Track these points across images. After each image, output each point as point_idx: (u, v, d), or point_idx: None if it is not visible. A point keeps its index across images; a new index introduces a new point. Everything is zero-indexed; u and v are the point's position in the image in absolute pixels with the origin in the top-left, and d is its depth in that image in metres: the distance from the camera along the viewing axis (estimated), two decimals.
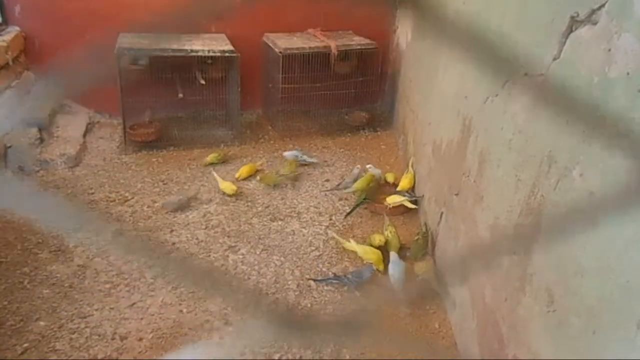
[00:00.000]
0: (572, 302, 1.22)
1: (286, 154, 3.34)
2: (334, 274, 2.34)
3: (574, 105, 1.12)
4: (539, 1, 1.56)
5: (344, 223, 2.78)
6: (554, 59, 1.40)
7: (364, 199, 2.90)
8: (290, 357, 1.92)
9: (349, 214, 2.84)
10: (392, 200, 2.82)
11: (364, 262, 2.40)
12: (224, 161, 3.35)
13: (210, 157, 3.31)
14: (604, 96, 1.15)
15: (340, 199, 3.00)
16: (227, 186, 2.95)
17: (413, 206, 2.77)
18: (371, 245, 2.47)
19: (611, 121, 1.12)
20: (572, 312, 1.21)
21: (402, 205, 2.82)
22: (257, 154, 3.50)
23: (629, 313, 1.01)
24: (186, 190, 2.97)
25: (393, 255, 2.30)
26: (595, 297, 1.13)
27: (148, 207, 2.80)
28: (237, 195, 2.95)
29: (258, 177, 3.15)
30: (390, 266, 2.25)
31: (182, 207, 2.80)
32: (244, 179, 3.14)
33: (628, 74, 1.07)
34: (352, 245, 2.45)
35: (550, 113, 1.40)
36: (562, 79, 1.37)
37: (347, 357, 1.94)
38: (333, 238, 2.59)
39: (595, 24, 1.21)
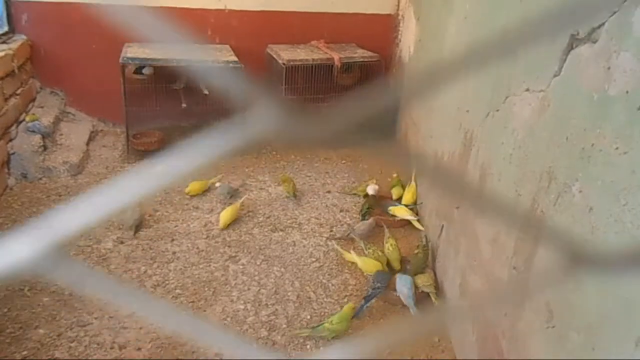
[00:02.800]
0: (571, 318, 1.22)
1: (217, 184, 3.07)
2: (364, 298, 2.20)
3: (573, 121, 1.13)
4: (540, 18, 1.58)
5: (345, 235, 2.78)
6: (555, 76, 1.41)
7: (368, 208, 2.92)
8: None
9: (364, 217, 2.89)
10: (399, 212, 2.82)
11: (365, 274, 2.40)
12: None
13: None
14: (604, 113, 1.16)
15: (342, 211, 3.01)
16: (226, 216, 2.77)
17: (420, 227, 2.76)
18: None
19: (610, 138, 1.13)
20: (572, 328, 1.21)
21: (403, 218, 2.82)
22: (259, 165, 3.51)
23: (627, 330, 1.01)
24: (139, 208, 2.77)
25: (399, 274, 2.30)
26: (595, 313, 1.13)
27: (149, 215, 2.81)
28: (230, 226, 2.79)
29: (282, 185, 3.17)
30: (397, 282, 2.24)
31: (139, 224, 2.68)
32: (195, 195, 3.02)
33: (627, 92, 1.08)
34: (352, 256, 2.45)
35: (550, 129, 1.41)
36: (562, 95, 1.38)
37: None
38: (334, 249, 2.59)
39: (595, 42, 1.22)
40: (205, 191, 3.09)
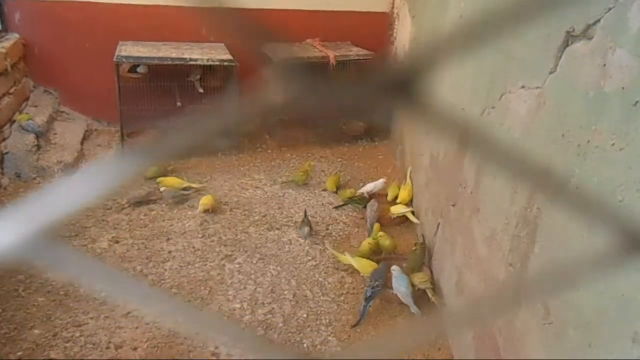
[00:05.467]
0: (568, 315, 1.22)
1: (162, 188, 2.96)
2: (365, 299, 2.18)
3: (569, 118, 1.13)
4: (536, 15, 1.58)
5: (341, 233, 2.78)
6: (551, 73, 1.41)
7: (356, 202, 2.97)
8: None
9: (338, 207, 3.00)
10: (396, 210, 2.82)
11: (362, 274, 2.39)
12: (164, 175, 3.11)
13: (151, 170, 3.08)
14: (600, 110, 1.16)
15: (336, 208, 3.01)
16: (205, 202, 2.85)
17: (415, 220, 2.76)
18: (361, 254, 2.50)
19: (606, 135, 1.13)
20: (569, 325, 1.21)
21: (399, 216, 2.82)
22: (254, 163, 3.50)
23: (624, 326, 1.01)
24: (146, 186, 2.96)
25: (395, 269, 2.28)
26: (592, 310, 1.13)
27: (145, 215, 2.79)
28: (213, 210, 2.86)
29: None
30: (394, 281, 2.24)
31: (145, 200, 2.89)
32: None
33: (623, 88, 1.08)
34: (347, 258, 2.42)
35: (547, 126, 1.41)
36: (558, 92, 1.38)
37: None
38: (329, 250, 2.58)
39: (590, 39, 1.22)
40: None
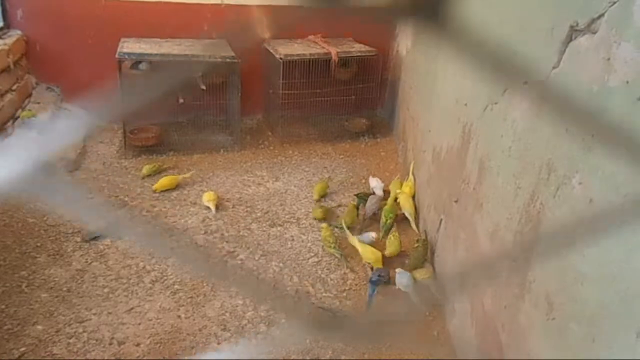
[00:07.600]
0: (572, 310, 1.22)
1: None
2: (370, 282, 2.21)
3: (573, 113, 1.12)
4: (539, 9, 1.57)
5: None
6: (554, 68, 1.41)
7: (362, 198, 2.96)
8: None
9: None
10: (403, 202, 2.82)
11: (364, 263, 2.41)
12: (159, 172, 3.18)
13: (146, 168, 3.16)
14: (604, 104, 1.16)
15: (340, 206, 3.01)
16: (208, 197, 2.88)
17: (415, 229, 2.74)
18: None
19: (610, 129, 1.12)
20: (572, 320, 1.21)
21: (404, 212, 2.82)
22: (257, 160, 3.50)
23: (629, 321, 1.01)
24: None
25: (399, 269, 2.29)
26: (596, 304, 1.13)
27: (147, 211, 2.80)
28: (218, 207, 2.87)
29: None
30: (397, 277, 2.24)
31: (102, 234, 2.51)
32: (164, 190, 3.00)
33: (627, 82, 1.07)
34: (355, 241, 2.46)
35: (550, 121, 1.41)
36: (561, 87, 1.38)
37: None
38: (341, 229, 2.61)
39: (594, 33, 1.22)
40: (177, 186, 3.06)
